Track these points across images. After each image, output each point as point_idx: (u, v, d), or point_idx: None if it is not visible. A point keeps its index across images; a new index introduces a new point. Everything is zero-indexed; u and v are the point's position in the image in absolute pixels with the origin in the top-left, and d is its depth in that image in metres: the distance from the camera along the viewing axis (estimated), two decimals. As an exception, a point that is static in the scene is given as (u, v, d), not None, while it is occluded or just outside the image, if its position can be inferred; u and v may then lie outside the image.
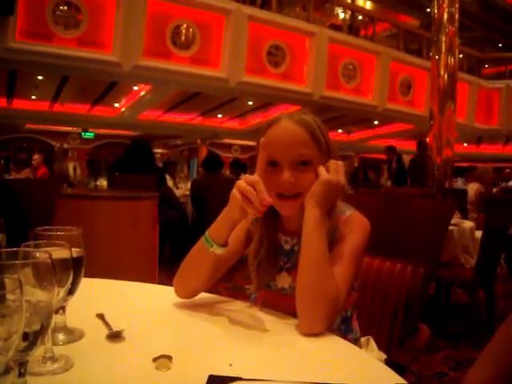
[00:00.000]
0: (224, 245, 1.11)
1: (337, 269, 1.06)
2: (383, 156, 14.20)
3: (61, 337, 0.90)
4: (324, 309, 1.00)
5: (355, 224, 1.16)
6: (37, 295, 0.66)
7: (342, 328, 1.20)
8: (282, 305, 1.15)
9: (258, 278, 1.21)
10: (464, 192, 6.24)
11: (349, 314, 1.23)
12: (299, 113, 1.17)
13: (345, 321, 1.21)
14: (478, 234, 3.51)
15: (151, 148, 5.53)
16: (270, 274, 1.21)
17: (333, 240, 1.13)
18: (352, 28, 11.56)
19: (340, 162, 1.14)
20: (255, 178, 1.04)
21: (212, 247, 1.10)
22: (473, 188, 6.15)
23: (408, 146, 18.21)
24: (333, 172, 1.11)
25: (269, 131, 1.15)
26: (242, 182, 1.04)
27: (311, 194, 1.10)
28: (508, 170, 10.53)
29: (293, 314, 1.06)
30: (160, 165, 8.70)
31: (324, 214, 1.10)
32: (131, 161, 5.10)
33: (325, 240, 1.07)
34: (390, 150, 8.68)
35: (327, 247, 1.07)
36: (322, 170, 1.11)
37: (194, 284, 1.19)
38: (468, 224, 3.86)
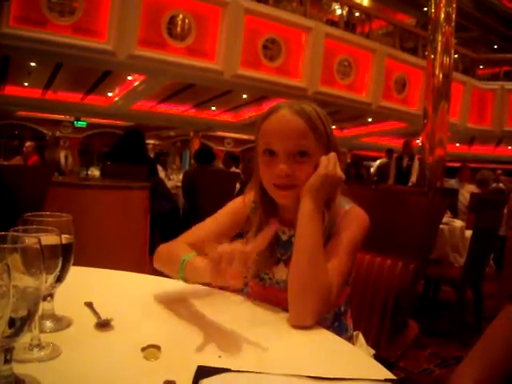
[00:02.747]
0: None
1: (332, 262, 1.05)
2: (375, 153, 14.27)
3: (48, 324, 0.89)
4: (315, 301, 0.99)
5: (354, 218, 1.15)
6: (25, 281, 0.65)
7: (336, 325, 1.19)
8: (276, 300, 1.14)
9: (255, 266, 1.20)
10: (455, 191, 6.26)
11: (342, 309, 1.21)
12: (300, 102, 1.15)
13: (338, 317, 1.20)
14: (468, 233, 3.53)
15: (144, 139, 5.51)
16: (267, 264, 1.20)
17: (330, 233, 1.12)
18: (348, 24, 11.54)
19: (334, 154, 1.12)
20: (241, 248, 0.87)
21: (181, 276, 1.06)
22: (472, 191, 6.09)
23: (400, 144, 18.29)
24: (331, 165, 1.09)
25: (267, 120, 1.14)
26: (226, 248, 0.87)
27: (308, 187, 1.09)
28: (500, 171, 10.60)
29: (286, 309, 1.05)
30: (152, 156, 8.67)
31: (320, 207, 1.09)
32: (123, 150, 5.07)
33: (319, 233, 1.06)
34: (407, 145, 8.11)
35: (321, 240, 1.06)
36: (323, 161, 1.10)
37: (168, 274, 1.18)
38: (458, 223, 3.88)
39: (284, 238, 1.21)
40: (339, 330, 1.18)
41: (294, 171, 1.09)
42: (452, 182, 7.34)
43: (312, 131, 1.11)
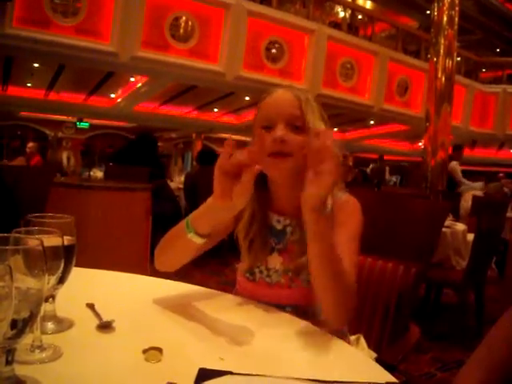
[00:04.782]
0: (204, 236, 1.06)
1: (344, 259, 1.02)
2: (377, 156, 14.43)
3: (50, 326, 0.89)
4: (347, 308, 1.02)
5: (351, 211, 1.15)
6: (27, 282, 0.65)
7: None
8: (265, 296, 1.15)
9: (250, 257, 1.19)
10: (457, 195, 6.25)
11: None
12: (299, 88, 1.19)
13: None
14: (470, 236, 3.52)
15: (157, 143, 5.53)
16: (263, 254, 1.19)
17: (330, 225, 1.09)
18: (351, 27, 11.54)
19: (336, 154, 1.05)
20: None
21: (190, 233, 1.05)
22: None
23: (402, 147, 18.30)
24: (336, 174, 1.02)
25: (265, 100, 1.18)
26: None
27: (312, 207, 0.95)
28: (502, 175, 10.60)
29: (274, 306, 1.06)
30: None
31: (326, 216, 1.00)
32: (136, 153, 5.07)
33: (333, 245, 0.99)
34: (459, 149, 8.00)
35: (336, 250, 1.00)
36: (330, 168, 0.96)
37: (171, 260, 1.17)
38: (461, 226, 3.87)
39: (278, 227, 1.20)
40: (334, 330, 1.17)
41: (289, 139, 1.09)
42: (476, 186, 7.16)
43: (307, 110, 1.13)
